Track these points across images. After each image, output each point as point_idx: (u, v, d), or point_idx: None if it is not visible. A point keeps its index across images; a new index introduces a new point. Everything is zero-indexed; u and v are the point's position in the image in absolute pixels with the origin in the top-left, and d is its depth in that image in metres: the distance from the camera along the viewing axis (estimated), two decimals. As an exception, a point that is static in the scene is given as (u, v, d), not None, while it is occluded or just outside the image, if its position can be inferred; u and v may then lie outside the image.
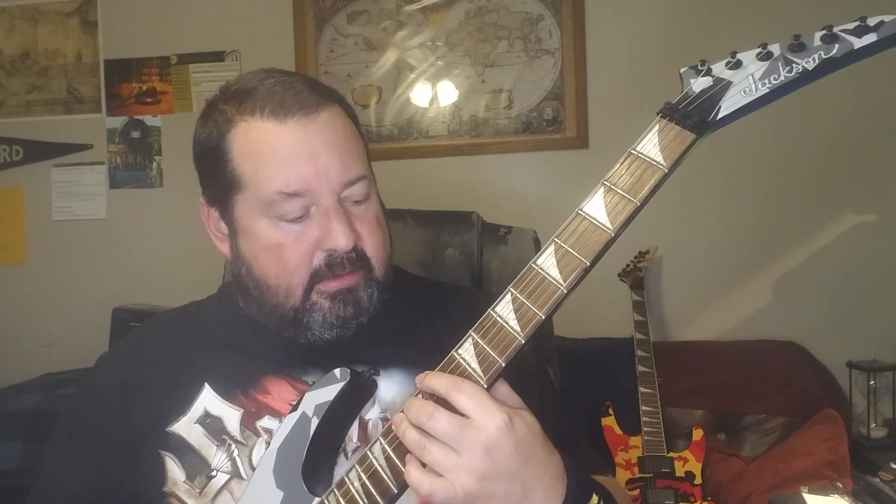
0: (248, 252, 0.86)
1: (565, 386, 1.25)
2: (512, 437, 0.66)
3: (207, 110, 0.88)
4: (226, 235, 0.90)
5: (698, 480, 1.96)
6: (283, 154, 0.81)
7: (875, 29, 0.61)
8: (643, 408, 2.03)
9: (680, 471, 1.96)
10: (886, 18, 0.61)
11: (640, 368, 2.08)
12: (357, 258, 0.84)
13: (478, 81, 2.48)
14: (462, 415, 0.67)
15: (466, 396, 0.67)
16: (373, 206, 0.88)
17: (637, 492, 1.92)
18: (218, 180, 0.86)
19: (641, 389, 2.05)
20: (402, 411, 0.71)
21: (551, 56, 2.44)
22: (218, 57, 2.59)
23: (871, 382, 2.17)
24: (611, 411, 2.08)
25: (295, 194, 0.81)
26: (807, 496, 1.28)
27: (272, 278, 0.84)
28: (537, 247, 1.26)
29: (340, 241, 0.81)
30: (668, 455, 1.97)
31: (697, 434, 2.04)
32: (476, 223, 1.28)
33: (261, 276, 0.85)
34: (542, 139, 2.45)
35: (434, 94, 2.50)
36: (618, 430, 2.05)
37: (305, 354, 0.89)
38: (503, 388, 0.71)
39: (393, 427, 0.71)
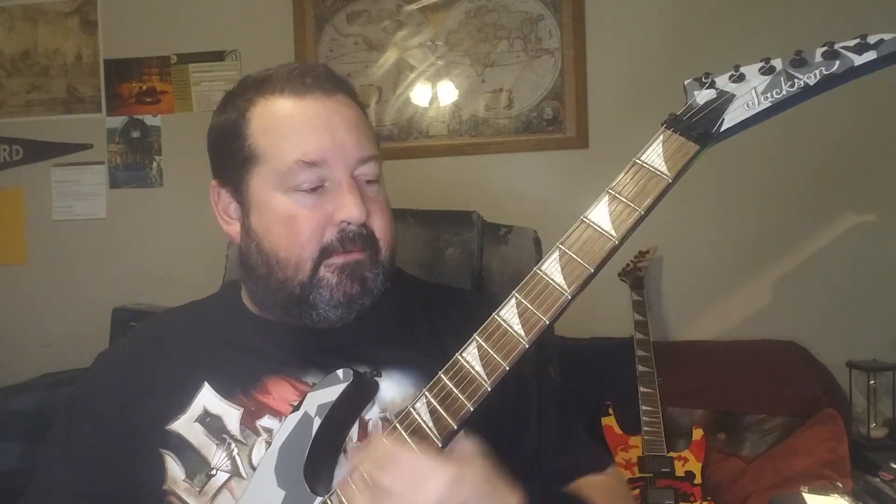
0: (259, 226, 0.88)
1: (565, 386, 1.25)
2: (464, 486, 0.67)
3: (226, 99, 0.92)
4: (233, 218, 0.92)
5: (698, 480, 1.96)
6: (302, 125, 0.85)
7: (875, 47, 0.63)
8: (643, 407, 2.03)
9: (680, 470, 1.97)
10: (886, 36, 0.62)
11: (640, 368, 2.08)
12: (367, 236, 0.86)
13: (478, 81, 2.48)
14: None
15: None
16: (382, 190, 0.91)
17: (637, 491, 1.92)
18: (235, 157, 0.88)
19: (641, 389, 2.05)
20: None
21: (551, 56, 2.44)
22: (218, 57, 2.59)
23: (871, 382, 2.17)
24: (611, 411, 2.08)
25: (312, 164, 0.84)
26: (807, 496, 1.29)
27: (282, 251, 0.86)
28: (538, 246, 1.26)
29: (354, 212, 0.83)
30: (668, 455, 1.97)
31: (697, 434, 2.04)
32: (476, 223, 1.28)
33: (271, 250, 0.87)
34: (542, 139, 2.45)
35: (434, 94, 2.50)
36: (618, 430, 2.06)
37: (307, 354, 0.89)
38: (462, 444, 0.72)
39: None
